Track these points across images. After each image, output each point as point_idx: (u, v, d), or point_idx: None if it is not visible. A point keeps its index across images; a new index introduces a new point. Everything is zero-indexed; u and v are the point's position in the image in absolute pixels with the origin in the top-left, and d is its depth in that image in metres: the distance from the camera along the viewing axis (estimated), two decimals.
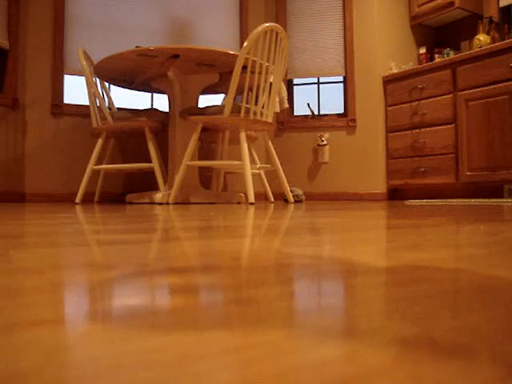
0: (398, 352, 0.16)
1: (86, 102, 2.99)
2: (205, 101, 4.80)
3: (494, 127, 2.60)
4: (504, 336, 0.18)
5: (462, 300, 0.25)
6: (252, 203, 2.22)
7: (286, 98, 3.24)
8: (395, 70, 3.20)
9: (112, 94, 2.89)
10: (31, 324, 0.20)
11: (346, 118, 3.32)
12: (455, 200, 2.40)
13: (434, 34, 3.52)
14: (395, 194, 3.30)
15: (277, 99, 3.07)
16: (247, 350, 0.17)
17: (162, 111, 2.57)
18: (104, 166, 2.52)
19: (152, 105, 3.24)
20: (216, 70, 2.55)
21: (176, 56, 2.29)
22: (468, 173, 2.74)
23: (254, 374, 0.14)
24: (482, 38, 2.79)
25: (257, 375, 0.14)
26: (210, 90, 2.96)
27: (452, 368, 0.15)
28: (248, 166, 2.25)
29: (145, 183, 3.05)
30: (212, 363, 0.15)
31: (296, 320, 0.21)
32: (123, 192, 2.99)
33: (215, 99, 5.83)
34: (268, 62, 2.38)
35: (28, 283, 0.29)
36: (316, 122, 3.40)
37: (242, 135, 2.28)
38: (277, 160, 2.54)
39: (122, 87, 2.90)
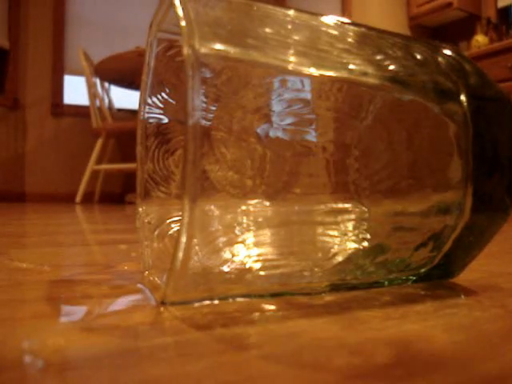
0: None
1: (86, 103, 2.99)
2: None
3: None
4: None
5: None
6: None
7: None
8: None
9: (112, 95, 2.89)
10: (31, 318, 0.21)
11: None
12: None
13: (433, 35, 3.53)
14: None
15: None
16: None
17: None
18: (104, 166, 2.53)
19: None
20: None
21: None
22: None
23: None
24: (481, 38, 2.79)
25: None
26: None
27: None
28: None
29: None
30: None
31: None
32: (123, 192, 3.00)
33: None
34: None
35: (26, 282, 0.30)
36: None
37: None
38: None
39: (122, 87, 2.91)
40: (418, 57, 0.27)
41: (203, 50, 0.20)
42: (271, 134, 0.22)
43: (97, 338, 0.18)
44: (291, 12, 0.25)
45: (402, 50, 0.27)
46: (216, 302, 0.24)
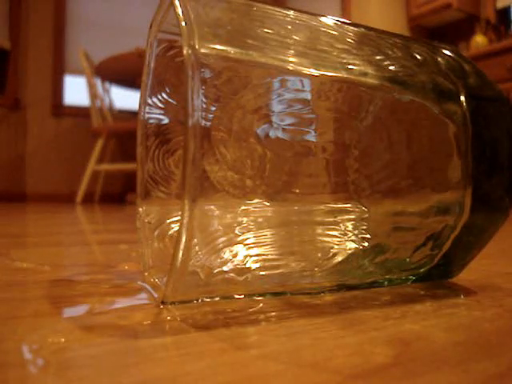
0: None
1: (87, 103, 3.00)
2: None
3: None
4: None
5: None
6: None
7: None
8: None
9: (112, 95, 2.89)
10: (31, 316, 0.21)
11: None
12: None
13: (432, 35, 3.53)
14: None
15: None
16: None
17: None
18: (104, 167, 2.53)
19: None
20: None
21: None
22: None
23: None
24: (480, 39, 2.79)
25: None
26: None
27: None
28: None
29: None
30: None
31: None
32: (123, 192, 3.00)
33: None
34: None
35: (27, 282, 0.30)
36: None
37: None
38: None
39: (123, 88, 2.91)
40: (418, 57, 0.27)
41: (203, 51, 0.20)
42: (271, 134, 0.22)
43: (97, 338, 0.18)
44: (291, 12, 0.25)
45: (401, 51, 0.27)
46: (216, 301, 0.24)
